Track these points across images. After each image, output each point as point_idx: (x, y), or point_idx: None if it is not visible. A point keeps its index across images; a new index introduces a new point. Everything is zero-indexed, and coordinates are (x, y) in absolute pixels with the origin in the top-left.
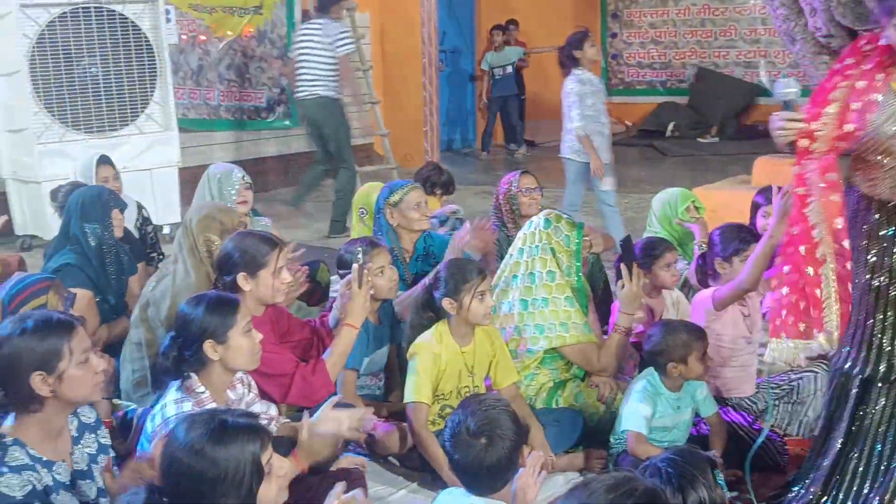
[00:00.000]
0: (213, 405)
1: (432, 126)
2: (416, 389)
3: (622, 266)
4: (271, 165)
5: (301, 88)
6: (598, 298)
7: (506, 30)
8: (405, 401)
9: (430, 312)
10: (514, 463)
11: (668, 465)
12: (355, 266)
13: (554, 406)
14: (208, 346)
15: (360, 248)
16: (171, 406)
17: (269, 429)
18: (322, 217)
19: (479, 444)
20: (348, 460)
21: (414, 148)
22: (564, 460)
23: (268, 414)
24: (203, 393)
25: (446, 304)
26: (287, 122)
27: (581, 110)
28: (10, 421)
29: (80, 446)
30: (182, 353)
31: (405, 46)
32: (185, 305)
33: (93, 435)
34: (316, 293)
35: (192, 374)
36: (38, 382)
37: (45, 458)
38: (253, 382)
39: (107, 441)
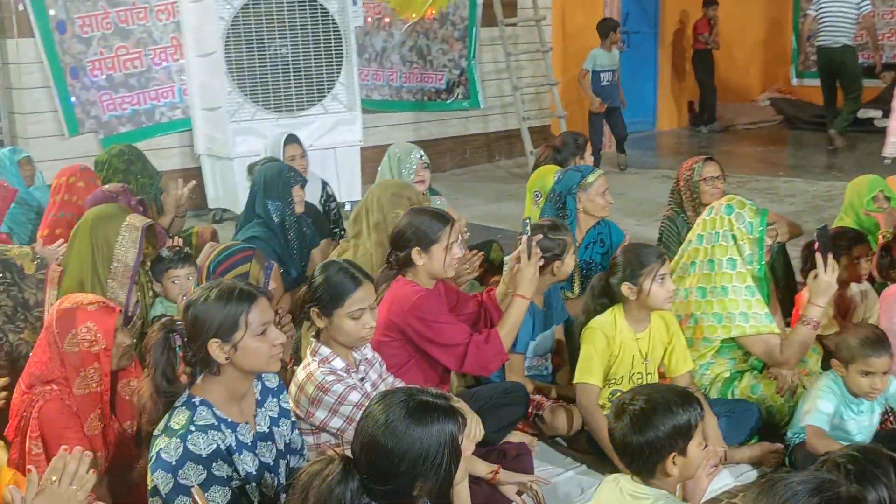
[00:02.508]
0: (340, 361)
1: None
2: (586, 370)
3: (818, 256)
4: (449, 146)
5: (824, 38)
6: (781, 289)
7: (709, 4)
8: (575, 381)
9: (604, 298)
10: (662, 452)
11: (848, 462)
12: (524, 238)
13: (729, 397)
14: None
15: (527, 220)
16: (301, 371)
17: None
18: (496, 197)
19: (627, 421)
20: (517, 437)
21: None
22: (738, 453)
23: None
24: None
25: (625, 288)
26: (465, 104)
27: None
28: (199, 382)
29: (262, 409)
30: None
31: (586, 28)
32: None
33: (275, 399)
34: (489, 272)
35: (314, 340)
36: (215, 349)
37: (229, 420)
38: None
39: (288, 406)
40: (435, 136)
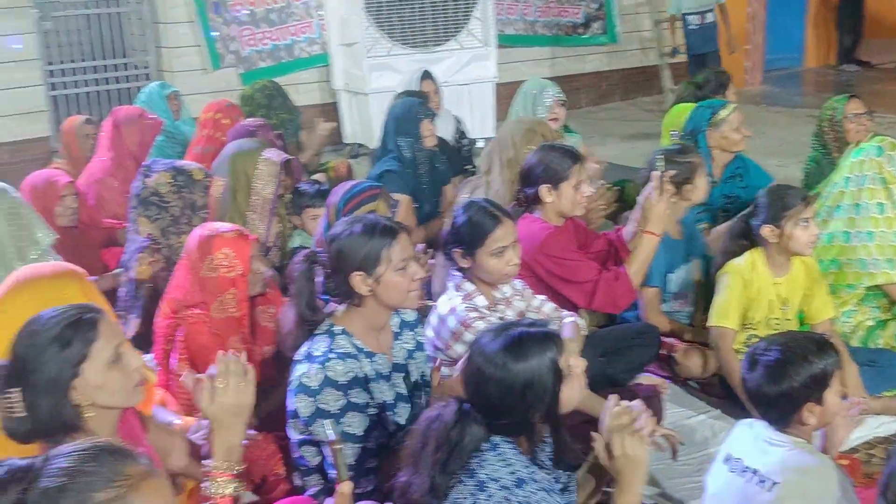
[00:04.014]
0: (483, 298)
1: (756, 44)
2: (723, 313)
3: None
4: (585, 82)
5: None
6: None
7: None
8: (710, 323)
9: (743, 240)
10: (798, 402)
11: None
12: (655, 174)
13: (871, 346)
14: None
15: (661, 156)
16: (444, 304)
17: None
18: (632, 136)
19: (761, 371)
20: (647, 379)
21: (734, 67)
22: (879, 403)
23: (542, 312)
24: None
25: (766, 231)
26: (603, 39)
27: None
28: (339, 311)
29: (399, 342)
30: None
31: None
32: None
33: (411, 332)
34: (623, 211)
35: (459, 275)
36: (358, 281)
37: (367, 349)
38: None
39: (423, 339)
40: (570, 73)
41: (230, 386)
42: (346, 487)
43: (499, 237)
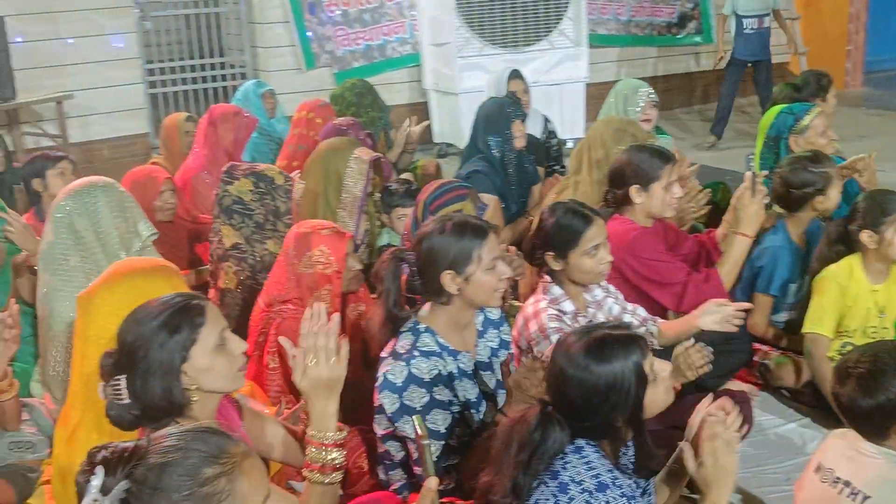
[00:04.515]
0: (570, 303)
1: (857, 45)
2: (817, 320)
3: None
4: (678, 83)
5: None
6: None
7: None
8: (804, 330)
9: (840, 246)
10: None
11: None
12: (748, 174)
13: None
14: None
15: (751, 156)
16: (530, 306)
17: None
18: (727, 137)
19: (854, 385)
20: (737, 385)
21: (834, 68)
22: None
23: (637, 315)
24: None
25: (865, 236)
26: (697, 39)
27: None
28: (424, 310)
29: (483, 340)
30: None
31: None
32: None
33: (496, 331)
34: (716, 215)
35: (547, 278)
36: (448, 280)
37: (451, 347)
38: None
39: (508, 338)
40: (663, 73)
41: (321, 361)
42: (432, 483)
43: (591, 236)
